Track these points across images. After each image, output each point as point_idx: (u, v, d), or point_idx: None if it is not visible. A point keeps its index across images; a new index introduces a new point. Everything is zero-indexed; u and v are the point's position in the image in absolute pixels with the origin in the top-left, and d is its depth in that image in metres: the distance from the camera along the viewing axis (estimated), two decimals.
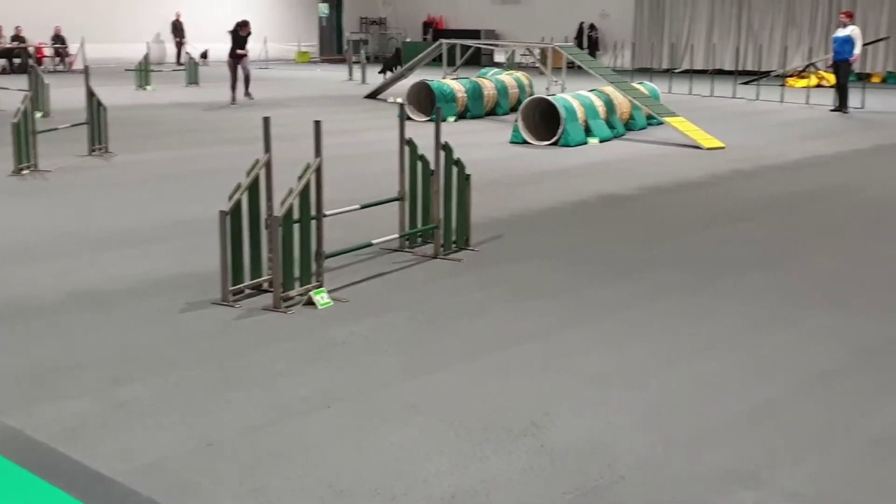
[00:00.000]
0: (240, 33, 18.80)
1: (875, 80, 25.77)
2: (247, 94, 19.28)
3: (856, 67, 19.06)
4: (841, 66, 18.14)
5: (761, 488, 3.59)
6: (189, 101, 19.41)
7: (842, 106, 18.20)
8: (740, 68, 24.96)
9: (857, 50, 17.91)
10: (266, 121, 5.82)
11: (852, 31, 18.01)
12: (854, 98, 19.48)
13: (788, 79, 23.50)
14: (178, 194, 9.41)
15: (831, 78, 23.45)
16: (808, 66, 24.45)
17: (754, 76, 23.65)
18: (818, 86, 23.01)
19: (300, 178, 5.73)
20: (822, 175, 11.03)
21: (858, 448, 3.95)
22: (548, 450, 3.90)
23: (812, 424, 4.18)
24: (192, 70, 23.64)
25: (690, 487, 3.60)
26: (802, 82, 23.21)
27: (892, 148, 13.35)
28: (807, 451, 3.90)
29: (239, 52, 18.76)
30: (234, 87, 18.98)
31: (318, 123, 5.74)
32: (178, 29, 32.13)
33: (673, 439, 4.00)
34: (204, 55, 30.77)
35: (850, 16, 18.57)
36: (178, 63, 30.63)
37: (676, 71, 27.43)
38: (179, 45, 31.88)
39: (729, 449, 3.92)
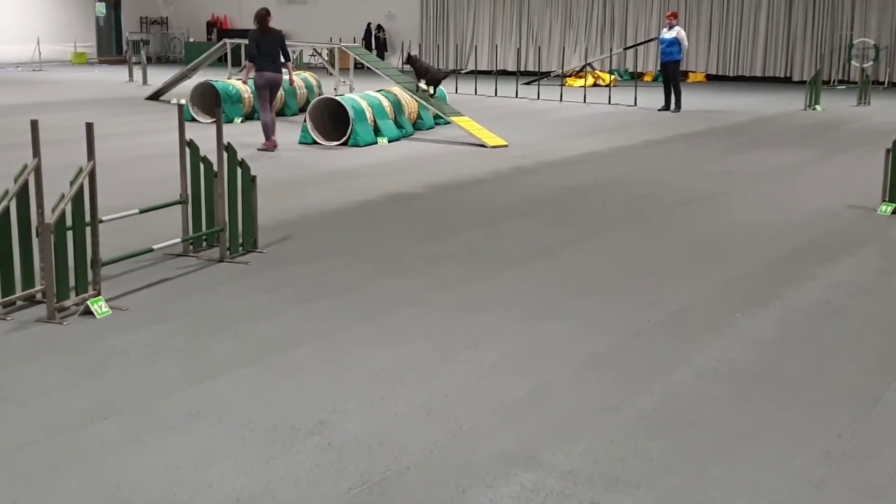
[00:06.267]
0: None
1: (647, 78, 27.29)
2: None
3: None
4: (670, 67, 18.68)
5: (539, 469, 3.76)
6: None
7: (676, 106, 18.60)
8: (522, 69, 25.83)
9: (685, 48, 18.71)
10: (34, 124, 5.56)
11: (678, 32, 18.55)
12: (627, 96, 20.57)
13: (567, 79, 24.52)
14: None
15: (606, 77, 24.72)
16: (584, 66, 25.60)
17: (535, 76, 24.54)
18: (594, 85, 24.15)
19: (72, 182, 5.50)
20: (596, 170, 11.60)
21: (628, 425, 4.20)
22: (335, 447, 3.93)
23: (585, 405, 4.40)
24: None
25: (473, 473, 3.72)
26: (580, 82, 24.28)
27: (659, 143, 14.20)
28: (581, 431, 4.12)
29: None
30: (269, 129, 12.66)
31: (90, 125, 5.54)
32: None
33: (456, 428, 4.12)
34: None
35: (675, 16, 18.98)
36: None
37: (462, 72, 28.08)
38: None
39: (508, 434, 4.09)
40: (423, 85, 14.86)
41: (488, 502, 3.51)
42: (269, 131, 12.59)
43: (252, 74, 12.49)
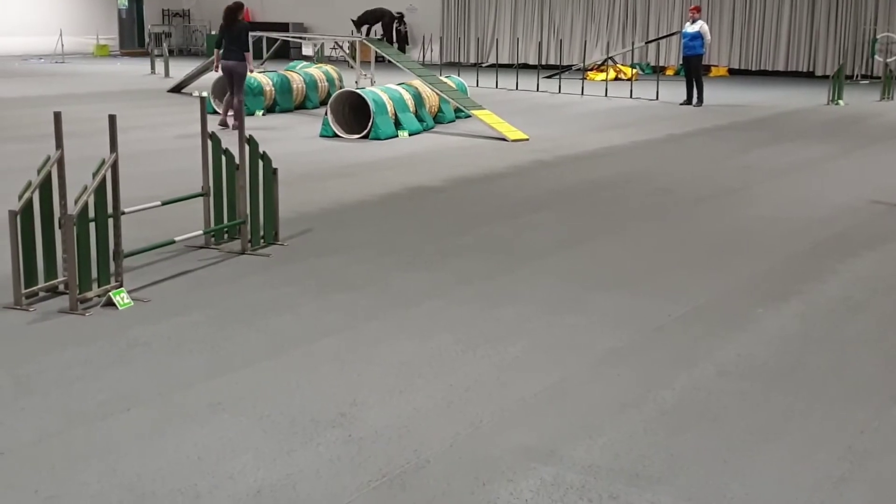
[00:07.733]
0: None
1: (669, 72, 27.18)
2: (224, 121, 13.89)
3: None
4: (692, 61, 18.50)
5: (559, 463, 3.76)
6: None
7: (698, 100, 18.44)
8: (543, 62, 25.76)
9: (707, 42, 18.47)
10: (57, 115, 5.59)
11: (700, 25, 18.34)
12: (648, 90, 20.48)
13: (588, 72, 24.43)
14: None
15: (628, 71, 24.60)
16: (606, 60, 25.51)
17: (556, 70, 24.46)
18: (616, 79, 24.05)
19: (95, 174, 5.53)
20: (618, 164, 11.56)
21: (649, 420, 4.18)
22: (355, 439, 3.94)
23: (605, 400, 4.39)
24: None
25: (492, 467, 3.72)
26: (601, 76, 24.20)
27: (681, 137, 14.13)
28: (601, 426, 4.11)
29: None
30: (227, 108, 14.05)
31: (112, 117, 5.56)
32: None
33: (476, 422, 4.12)
34: None
35: (698, 10, 18.75)
36: None
37: (483, 65, 28.03)
38: None
39: (529, 428, 4.08)
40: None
41: (508, 496, 3.51)
42: (228, 109, 13.94)
43: (218, 63, 13.89)
